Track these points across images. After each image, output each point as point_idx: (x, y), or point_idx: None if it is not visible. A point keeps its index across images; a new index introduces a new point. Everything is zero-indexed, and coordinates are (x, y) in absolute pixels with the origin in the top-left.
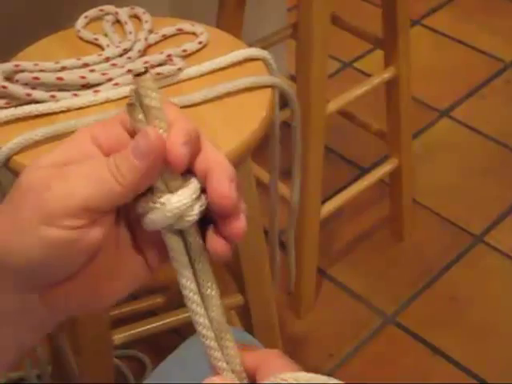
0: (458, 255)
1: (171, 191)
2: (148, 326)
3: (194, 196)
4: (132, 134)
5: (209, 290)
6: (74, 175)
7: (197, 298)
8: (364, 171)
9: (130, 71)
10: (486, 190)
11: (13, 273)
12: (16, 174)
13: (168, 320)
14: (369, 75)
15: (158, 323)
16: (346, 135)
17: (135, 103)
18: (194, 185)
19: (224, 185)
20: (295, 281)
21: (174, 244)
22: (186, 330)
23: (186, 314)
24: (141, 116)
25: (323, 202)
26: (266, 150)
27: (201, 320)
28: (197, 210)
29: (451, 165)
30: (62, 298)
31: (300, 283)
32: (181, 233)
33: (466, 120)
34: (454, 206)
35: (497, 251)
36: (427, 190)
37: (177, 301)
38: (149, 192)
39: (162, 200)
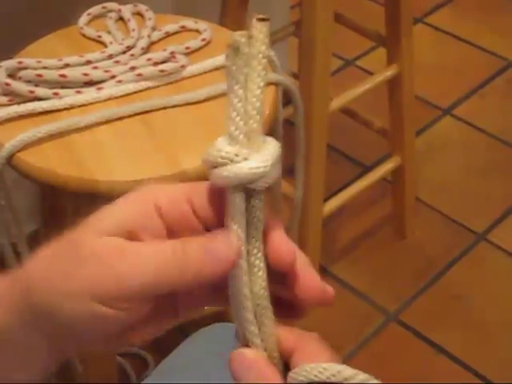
0: (460, 253)
1: (252, 147)
2: None
3: (278, 158)
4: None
5: (257, 261)
6: (134, 257)
7: (244, 263)
8: (366, 169)
9: (133, 68)
10: (489, 187)
11: (49, 331)
12: (19, 171)
13: None
14: (371, 73)
15: None
16: (348, 133)
17: (239, 47)
18: (276, 145)
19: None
20: None
21: (238, 201)
22: (188, 328)
23: None
24: (241, 63)
25: (325, 200)
26: None
27: (243, 289)
28: (275, 174)
29: (454, 163)
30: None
31: None
32: (246, 191)
33: (468, 118)
34: (457, 204)
35: (499, 249)
36: (430, 188)
37: None
38: (219, 140)
39: (243, 155)
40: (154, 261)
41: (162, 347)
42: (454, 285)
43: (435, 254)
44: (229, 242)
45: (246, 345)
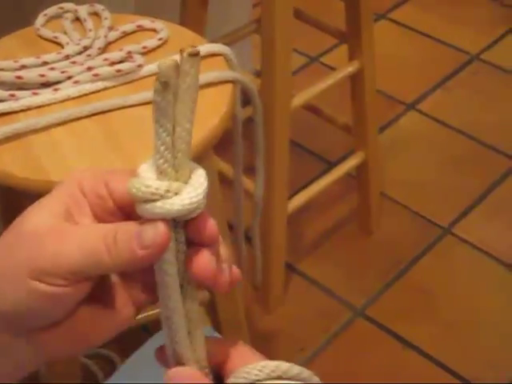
0: (426, 247)
1: (181, 179)
2: None
3: (203, 194)
4: (120, 202)
5: (186, 280)
6: (68, 238)
7: (177, 285)
8: (331, 165)
9: (90, 68)
10: (454, 182)
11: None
12: None
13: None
14: (334, 69)
15: None
16: (312, 130)
17: (169, 82)
18: (203, 174)
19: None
20: (263, 276)
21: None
22: (154, 327)
23: (155, 311)
24: (170, 98)
25: (290, 197)
26: (232, 146)
27: (176, 306)
28: (201, 207)
29: (418, 158)
30: (49, 342)
31: (268, 278)
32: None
33: (433, 113)
34: (422, 199)
35: (465, 243)
36: (395, 183)
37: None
38: (144, 171)
39: (173, 189)
40: (86, 243)
41: (128, 347)
42: (420, 279)
43: (401, 249)
44: (156, 228)
45: (177, 360)
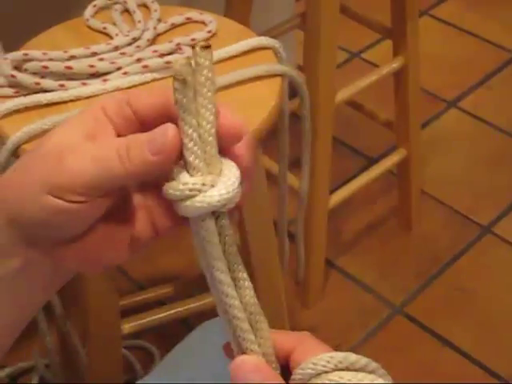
0: (466, 246)
1: (214, 172)
2: (157, 316)
3: (238, 184)
4: (144, 120)
5: (240, 274)
6: (85, 153)
7: (228, 279)
8: (372, 162)
9: (139, 60)
10: (494, 180)
11: (19, 226)
12: None
13: (176, 310)
14: (376, 66)
15: (166, 313)
16: (352, 125)
17: (186, 78)
18: (235, 166)
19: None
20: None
21: (209, 225)
22: (193, 320)
23: (194, 304)
24: (191, 94)
25: (331, 193)
26: (274, 141)
27: (233, 302)
28: (238, 196)
29: (459, 155)
30: (69, 257)
31: (308, 273)
32: (213, 213)
33: (474, 110)
34: (462, 197)
35: (505, 242)
36: (435, 181)
37: (184, 291)
38: (177, 174)
39: (208, 183)
40: (99, 155)
41: (167, 340)
42: (459, 277)
43: (441, 247)
44: (165, 133)
45: (243, 353)
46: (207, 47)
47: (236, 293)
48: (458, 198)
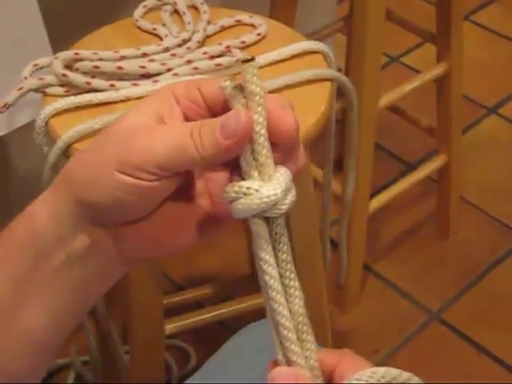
0: (504, 254)
1: (263, 178)
2: (200, 317)
3: (288, 185)
4: (212, 104)
5: (292, 282)
6: (158, 134)
7: (279, 286)
8: (411, 167)
9: (189, 61)
10: None
11: (87, 206)
12: None
13: (219, 311)
14: (415, 70)
15: (210, 314)
16: (393, 131)
17: (243, 85)
18: (286, 173)
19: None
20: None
21: (260, 230)
22: (230, 323)
23: (236, 306)
24: (243, 99)
25: (371, 198)
26: (316, 146)
27: (281, 310)
28: (289, 199)
29: (499, 162)
30: (135, 238)
31: (346, 278)
32: (267, 219)
33: None
34: (501, 203)
35: None
36: (474, 188)
37: (222, 293)
38: (235, 175)
39: (254, 187)
40: (175, 137)
41: (204, 340)
42: (497, 285)
43: (479, 254)
44: (238, 116)
45: (288, 363)
46: (249, 60)
47: (285, 301)
48: (497, 205)
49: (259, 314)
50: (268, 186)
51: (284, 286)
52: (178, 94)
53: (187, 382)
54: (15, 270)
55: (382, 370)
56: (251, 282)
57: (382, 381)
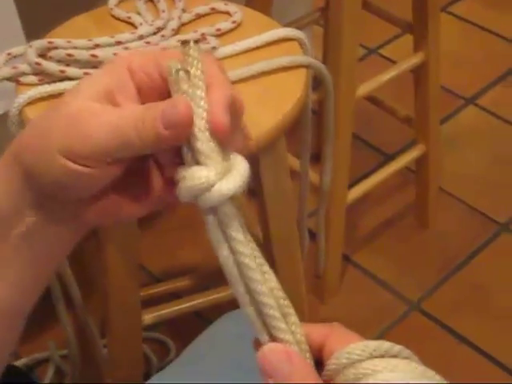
0: (483, 243)
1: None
2: (177, 307)
3: (224, 170)
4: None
5: (259, 260)
6: (103, 120)
7: (255, 265)
8: (389, 157)
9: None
10: None
11: (37, 185)
12: None
13: (197, 301)
14: (392, 61)
15: (187, 304)
16: (371, 121)
17: (185, 68)
18: (244, 171)
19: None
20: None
21: (230, 211)
22: (207, 314)
23: (213, 296)
24: (185, 85)
25: (349, 188)
26: (293, 135)
27: (261, 288)
28: (231, 185)
29: (477, 152)
30: (87, 213)
31: (325, 268)
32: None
33: (492, 108)
34: (479, 194)
35: None
36: (452, 178)
37: (200, 284)
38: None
39: (188, 171)
40: (118, 125)
41: (182, 333)
42: (476, 274)
43: (458, 244)
44: (175, 106)
45: (274, 341)
46: (196, 42)
47: (263, 277)
48: (475, 195)
49: (235, 304)
50: (200, 171)
51: (257, 264)
52: (133, 66)
53: (164, 371)
54: None
55: (374, 343)
56: None
57: (374, 354)
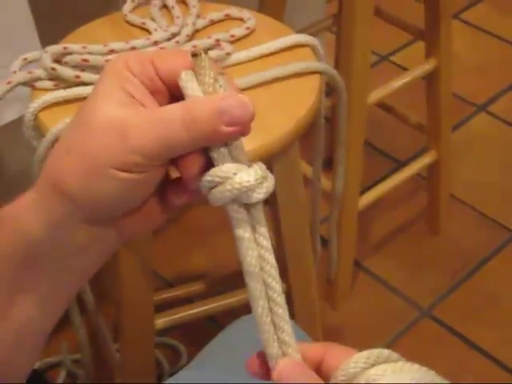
0: (494, 250)
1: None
2: (190, 312)
3: (264, 173)
4: (167, 79)
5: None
6: (148, 129)
7: (274, 260)
8: (401, 164)
9: None
10: None
11: (87, 210)
12: None
13: (210, 306)
14: (404, 68)
15: (200, 309)
16: (383, 128)
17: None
18: (261, 164)
19: None
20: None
21: (240, 216)
22: (220, 319)
23: (226, 301)
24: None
25: (361, 194)
26: (305, 141)
27: (275, 285)
28: (265, 188)
29: (488, 159)
30: (129, 225)
31: (336, 274)
32: (245, 206)
33: (504, 115)
34: (491, 201)
35: None
36: (464, 185)
37: (212, 289)
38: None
39: (230, 173)
40: (165, 130)
41: (194, 338)
42: (488, 281)
43: (469, 251)
44: (244, 104)
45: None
46: (206, 52)
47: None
48: (486, 202)
49: (248, 309)
50: (242, 173)
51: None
52: (133, 69)
53: (177, 375)
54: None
55: (375, 351)
56: (241, 279)
57: (379, 361)
